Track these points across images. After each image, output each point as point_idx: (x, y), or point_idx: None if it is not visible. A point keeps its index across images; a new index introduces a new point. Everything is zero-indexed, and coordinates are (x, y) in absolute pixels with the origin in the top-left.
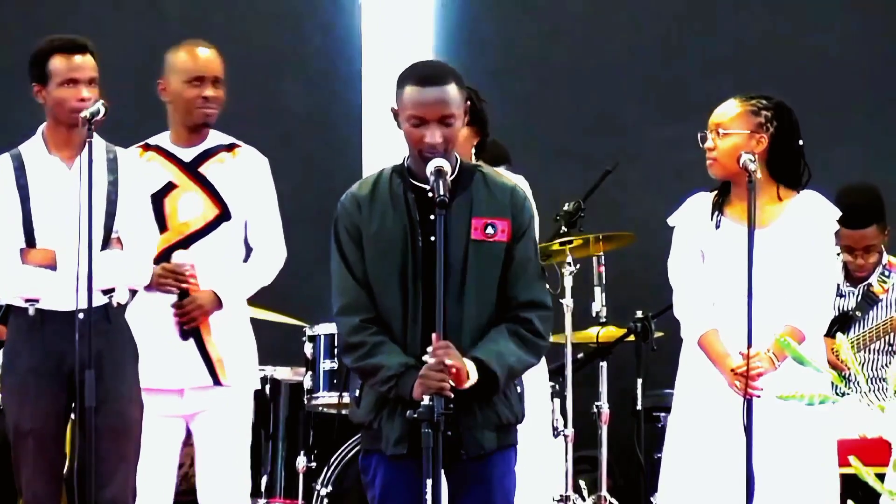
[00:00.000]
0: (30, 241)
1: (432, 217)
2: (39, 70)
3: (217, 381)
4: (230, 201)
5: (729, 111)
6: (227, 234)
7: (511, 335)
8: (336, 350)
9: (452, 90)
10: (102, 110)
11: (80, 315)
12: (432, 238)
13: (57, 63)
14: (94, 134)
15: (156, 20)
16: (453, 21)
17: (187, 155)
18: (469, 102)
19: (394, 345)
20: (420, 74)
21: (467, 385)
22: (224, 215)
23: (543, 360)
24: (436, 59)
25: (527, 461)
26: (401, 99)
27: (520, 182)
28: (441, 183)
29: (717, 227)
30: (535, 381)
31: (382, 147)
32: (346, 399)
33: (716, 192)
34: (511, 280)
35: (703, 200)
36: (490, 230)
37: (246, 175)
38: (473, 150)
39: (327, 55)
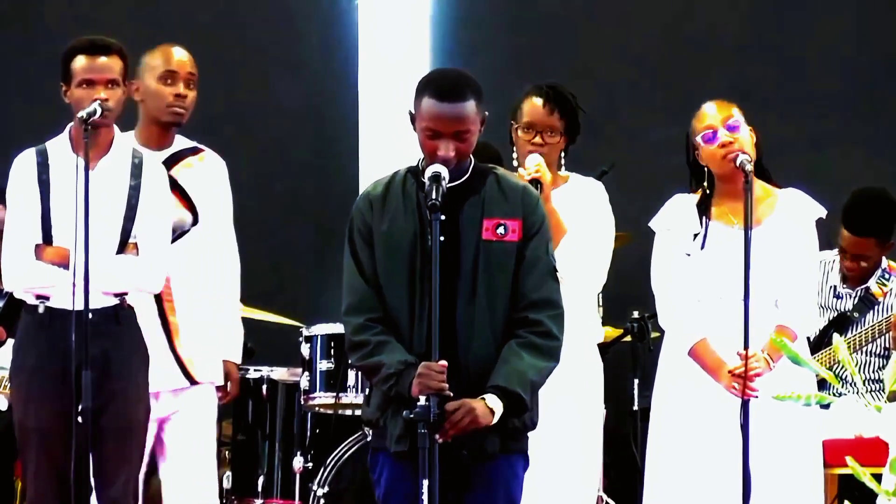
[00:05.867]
0: (47, 237)
1: (443, 217)
2: (64, 70)
3: (192, 381)
4: (200, 206)
5: (730, 107)
6: (196, 238)
7: (524, 348)
8: (333, 349)
9: (470, 106)
10: (99, 111)
11: (90, 315)
12: (442, 238)
13: (77, 63)
14: (123, 137)
15: (152, 19)
16: (450, 21)
17: (156, 157)
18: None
19: (397, 343)
20: (439, 87)
21: (495, 419)
22: (194, 220)
23: (598, 360)
24: (432, 58)
25: (569, 463)
26: (418, 108)
27: (597, 187)
28: (435, 188)
29: (705, 228)
30: (587, 380)
31: (379, 147)
32: (343, 399)
33: (699, 192)
34: (522, 278)
35: (684, 202)
36: (501, 230)
37: (211, 180)
38: (562, 156)
39: (324, 55)
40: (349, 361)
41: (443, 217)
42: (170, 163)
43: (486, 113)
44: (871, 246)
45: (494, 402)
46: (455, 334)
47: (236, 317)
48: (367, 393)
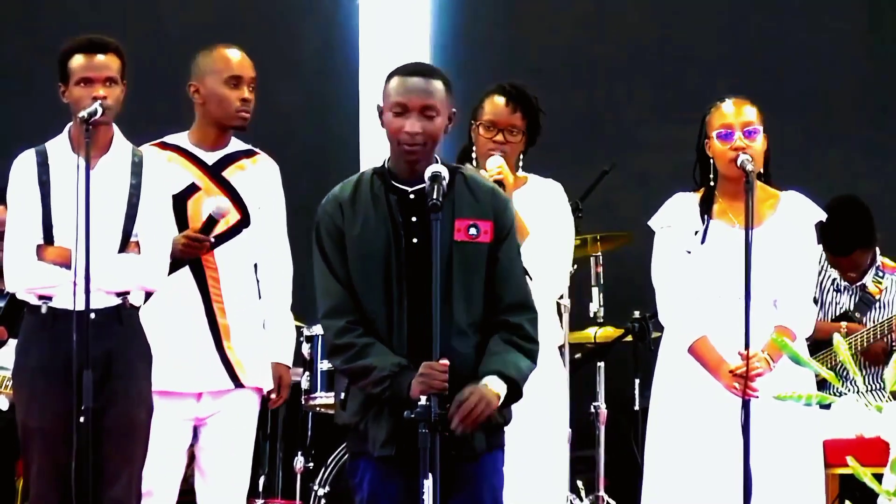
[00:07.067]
0: (48, 237)
1: (414, 219)
2: (62, 69)
3: (239, 384)
4: (251, 208)
5: (752, 111)
6: (247, 240)
7: (508, 344)
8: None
9: (438, 85)
10: (100, 110)
11: (92, 315)
12: (415, 240)
13: (75, 62)
14: (121, 136)
15: (152, 19)
16: (450, 20)
17: (210, 158)
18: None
19: (382, 346)
20: (407, 66)
21: (500, 403)
22: (245, 221)
23: (560, 362)
24: (432, 58)
25: (540, 462)
26: (386, 92)
27: (556, 188)
28: (436, 188)
29: (706, 227)
30: (552, 381)
31: (379, 147)
32: None
33: (701, 192)
34: (498, 282)
35: (684, 201)
36: (473, 231)
37: (264, 183)
38: (521, 158)
39: (325, 54)
40: (332, 364)
41: (414, 219)
42: (223, 164)
43: (454, 110)
44: (857, 257)
45: (498, 386)
46: (432, 336)
47: (289, 320)
48: (342, 397)
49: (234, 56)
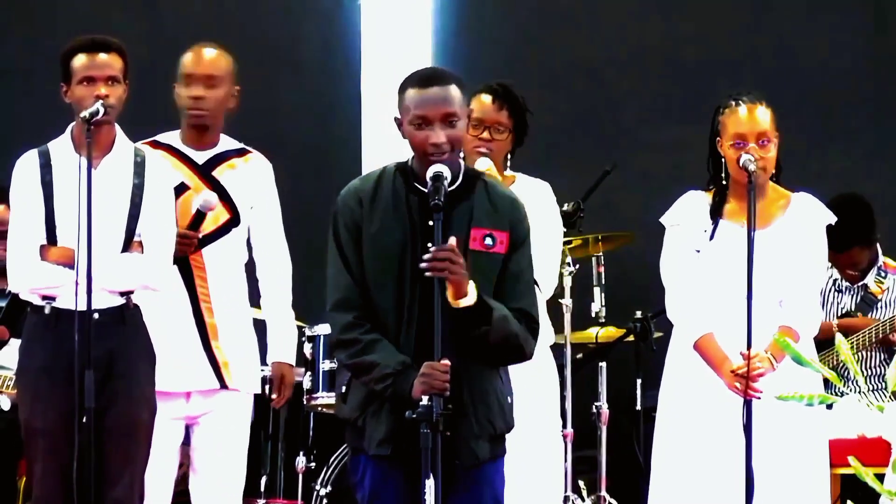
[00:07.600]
0: (51, 238)
1: (431, 222)
2: (64, 69)
3: (224, 385)
4: (240, 207)
5: (765, 117)
6: (236, 240)
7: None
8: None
9: (455, 90)
10: (102, 110)
11: (95, 315)
12: (430, 244)
13: (77, 61)
14: (124, 136)
15: (153, 19)
16: (452, 19)
17: (200, 157)
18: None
19: (387, 343)
20: (421, 76)
21: (462, 303)
22: (234, 221)
23: (552, 362)
24: (434, 57)
25: (535, 461)
26: (403, 103)
27: (543, 188)
28: (438, 188)
29: (715, 227)
30: (544, 380)
31: (381, 146)
32: None
33: (712, 191)
34: (503, 289)
35: (696, 199)
36: (489, 241)
37: (256, 182)
38: (509, 157)
39: (326, 53)
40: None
41: (430, 222)
42: (213, 164)
43: (471, 107)
44: (856, 254)
45: (471, 292)
46: (440, 338)
47: (290, 318)
48: (342, 390)
49: (191, 54)
